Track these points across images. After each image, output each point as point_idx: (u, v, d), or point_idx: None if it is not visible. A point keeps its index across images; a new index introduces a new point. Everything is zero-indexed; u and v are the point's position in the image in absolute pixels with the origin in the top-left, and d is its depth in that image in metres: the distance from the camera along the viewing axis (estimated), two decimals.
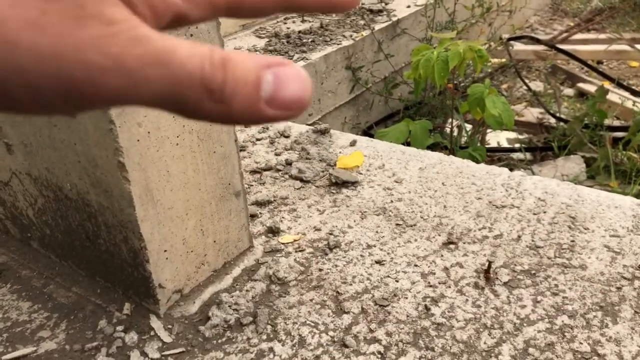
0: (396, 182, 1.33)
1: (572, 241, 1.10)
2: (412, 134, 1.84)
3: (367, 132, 2.71)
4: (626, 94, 3.04)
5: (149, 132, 0.85)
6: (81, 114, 0.22)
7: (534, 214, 1.18)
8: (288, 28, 2.69)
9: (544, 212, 1.19)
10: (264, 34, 2.63)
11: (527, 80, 3.36)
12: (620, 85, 3.08)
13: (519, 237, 1.12)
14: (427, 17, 2.65)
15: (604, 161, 2.27)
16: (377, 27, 2.63)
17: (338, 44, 2.44)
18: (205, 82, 0.21)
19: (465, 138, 2.51)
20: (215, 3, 0.25)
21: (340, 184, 1.33)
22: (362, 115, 2.69)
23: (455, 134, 2.54)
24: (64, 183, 0.95)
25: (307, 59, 2.27)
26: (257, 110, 0.22)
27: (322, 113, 2.41)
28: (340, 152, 1.49)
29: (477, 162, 1.92)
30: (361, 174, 1.38)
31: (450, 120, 2.79)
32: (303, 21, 2.79)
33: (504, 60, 3.42)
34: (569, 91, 3.31)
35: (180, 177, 0.92)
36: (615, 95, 2.91)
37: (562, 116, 2.72)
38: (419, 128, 1.83)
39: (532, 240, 1.10)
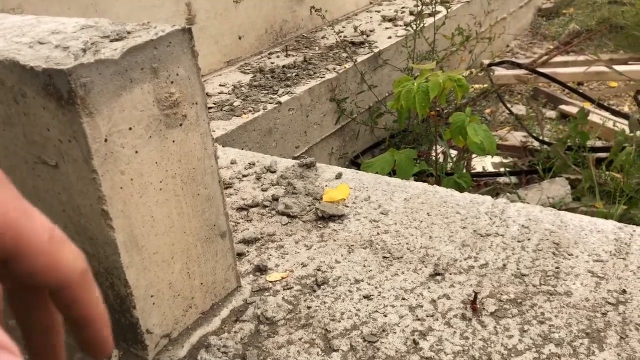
0: (382, 214, 1.34)
1: (557, 268, 1.11)
2: (397, 164, 1.86)
3: (355, 162, 2.73)
4: (607, 114, 3.09)
5: (132, 180, 0.86)
6: None
7: (519, 241, 1.20)
8: (272, 63, 2.73)
9: (528, 240, 1.20)
10: (248, 69, 2.66)
11: (510, 105, 3.41)
12: (600, 106, 3.13)
13: (505, 265, 1.13)
14: (407, 48, 2.71)
15: (589, 182, 2.30)
16: (360, 59, 2.68)
17: (322, 78, 2.48)
18: None
19: (451, 164, 2.54)
20: None
21: (327, 218, 1.34)
22: (349, 145, 2.72)
23: (441, 160, 2.57)
24: None
25: (292, 93, 2.30)
26: None
27: (309, 145, 2.43)
28: (326, 186, 1.50)
29: (463, 189, 1.95)
30: (347, 207, 1.39)
31: (435, 147, 2.82)
32: (287, 56, 2.84)
33: (486, 85, 3.48)
34: (551, 113, 3.37)
35: (165, 222, 0.93)
36: (597, 116, 2.96)
37: (546, 139, 2.76)
38: (404, 157, 1.86)
39: (518, 269, 1.11)
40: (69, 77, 0.75)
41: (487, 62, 3.90)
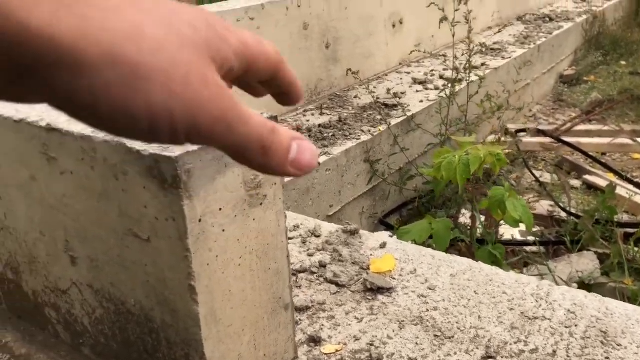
0: (429, 289, 1.38)
1: (607, 358, 1.13)
2: (434, 232, 1.91)
3: (383, 221, 2.78)
4: (631, 187, 3.14)
5: (217, 256, 0.91)
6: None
7: (566, 327, 1.23)
8: (308, 121, 2.82)
9: (576, 326, 1.23)
10: (285, 126, 2.75)
11: (534, 171, 3.47)
12: (626, 179, 3.18)
13: (554, 352, 1.15)
14: (441, 114, 2.79)
15: (617, 258, 2.32)
16: (393, 122, 2.76)
17: (357, 139, 2.55)
18: (262, 141, 0.33)
19: (480, 228, 2.58)
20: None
21: (375, 289, 1.38)
22: (379, 205, 2.77)
23: (469, 222, 2.61)
24: (128, 299, 1.00)
25: (329, 154, 2.38)
26: (284, 166, 0.34)
27: (342, 204, 2.49)
28: (371, 255, 1.54)
29: (498, 261, 1.98)
30: (394, 278, 1.43)
31: (462, 210, 2.87)
32: (322, 114, 2.93)
33: (510, 151, 3.55)
34: (575, 182, 3.42)
35: (240, 296, 0.97)
36: (623, 190, 3.01)
37: (572, 209, 2.80)
38: (442, 227, 1.90)
39: (568, 356, 1.14)
40: (176, 164, 0.81)
41: (511, 126, 3.99)
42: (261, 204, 0.98)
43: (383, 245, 1.58)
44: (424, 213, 2.94)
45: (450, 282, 1.40)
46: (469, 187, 2.12)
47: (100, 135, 0.90)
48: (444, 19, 2.81)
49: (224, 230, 0.91)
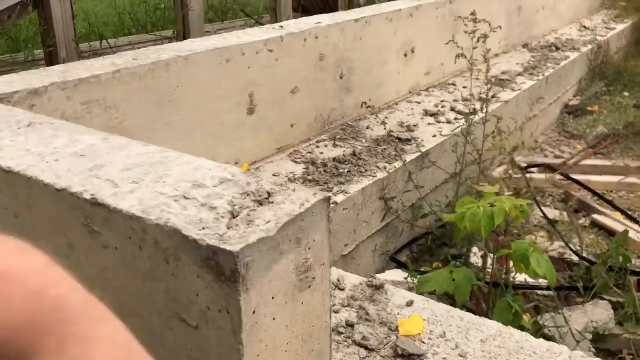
0: (461, 356, 1.35)
1: None
2: (455, 283, 1.89)
3: (394, 259, 2.75)
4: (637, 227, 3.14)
5: (267, 346, 0.88)
6: None
7: None
8: (322, 153, 2.79)
9: None
10: (299, 158, 2.72)
11: (542, 206, 3.46)
12: (633, 220, 3.18)
13: None
14: (456, 153, 2.77)
15: (632, 308, 2.31)
16: (408, 158, 2.74)
17: (373, 177, 2.53)
18: None
19: (492, 266, 2.56)
20: None
21: (406, 356, 1.35)
22: (391, 242, 2.75)
23: (479, 263, 2.59)
24: None
25: (347, 193, 2.35)
26: None
27: (356, 242, 2.46)
28: (398, 314, 1.51)
29: (518, 314, 1.96)
30: (424, 342, 1.40)
31: (473, 249, 2.85)
32: (335, 146, 2.90)
33: (519, 187, 3.54)
34: (583, 220, 3.42)
35: None
36: (634, 233, 3.00)
37: (584, 254, 2.79)
38: (463, 278, 1.88)
39: None
40: (236, 259, 0.79)
41: (519, 158, 3.98)
42: (309, 287, 0.96)
43: (410, 304, 1.56)
44: (434, 249, 2.92)
45: (481, 348, 1.38)
46: (495, 241, 2.11)
47: (153, 217, 0.88)
48: (461, 55, 2.80)
49: (274, 319, 0.89)
